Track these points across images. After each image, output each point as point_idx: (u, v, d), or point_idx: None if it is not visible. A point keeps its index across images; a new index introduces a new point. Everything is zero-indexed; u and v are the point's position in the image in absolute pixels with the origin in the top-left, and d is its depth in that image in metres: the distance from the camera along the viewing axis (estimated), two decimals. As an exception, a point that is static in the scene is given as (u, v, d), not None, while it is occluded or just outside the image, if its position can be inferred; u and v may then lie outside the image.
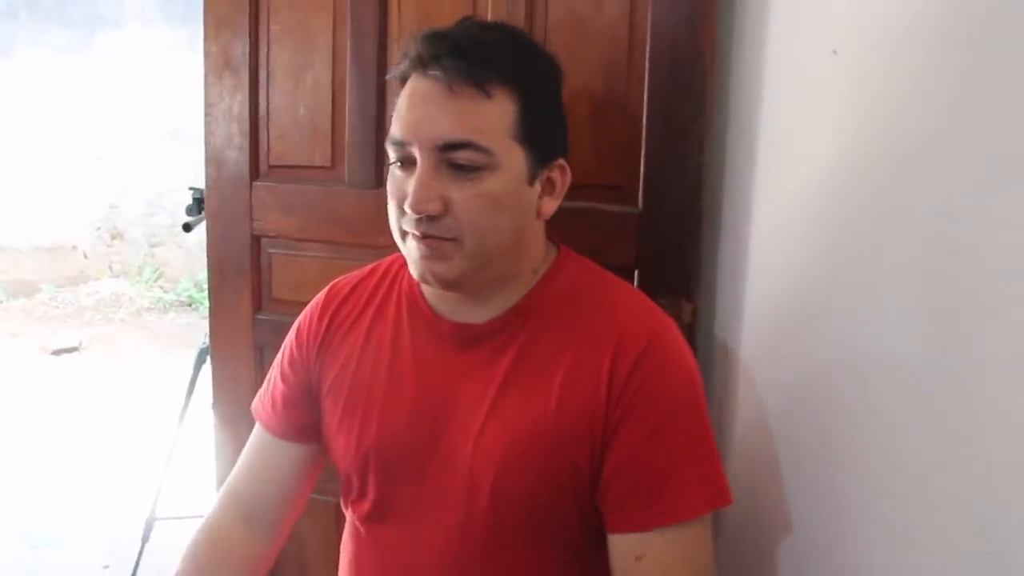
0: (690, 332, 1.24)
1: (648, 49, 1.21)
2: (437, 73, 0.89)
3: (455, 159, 0.89)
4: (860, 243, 0.85)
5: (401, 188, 0.92)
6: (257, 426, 1.12)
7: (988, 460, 0.63)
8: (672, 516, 0.91)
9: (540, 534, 0.96)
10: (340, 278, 1.12)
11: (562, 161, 0.99)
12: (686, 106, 1.20)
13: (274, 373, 1.12)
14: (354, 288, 1.09)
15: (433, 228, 0.90)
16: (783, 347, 1.05)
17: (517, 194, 0.93)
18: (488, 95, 0.90)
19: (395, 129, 0.92)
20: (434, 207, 0.89)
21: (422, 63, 0.91)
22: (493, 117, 0.90)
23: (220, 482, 1.56)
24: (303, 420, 1.08)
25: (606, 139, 1.26)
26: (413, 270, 0.95)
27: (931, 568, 0.70)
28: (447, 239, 0.91)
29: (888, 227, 0.79)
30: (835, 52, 0.91)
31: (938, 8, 0.72)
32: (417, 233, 0.91)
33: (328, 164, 1.43)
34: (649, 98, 1.22)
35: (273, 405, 1.10)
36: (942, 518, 0.69)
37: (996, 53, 0.63)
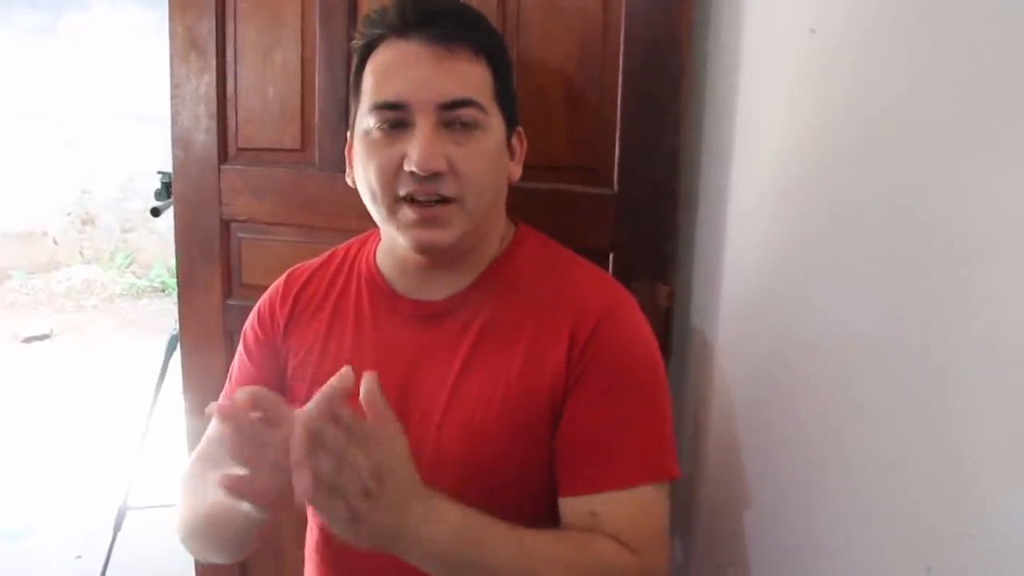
0: (666, 316, 1.23)
1: (623, 29, 1.19)
2: (426, 37, 0.90)
3: (458, 116, 0.91)
4: (836, 226, 0.85)
5: (392, 152, 0.91)
6: (213, 421, 1.06)
7: (963, 438, 0.63)
8: (617, 480, 0.91)
9: (508, 511, 0.94)
10: (297, 265, 1.11)
11: (519, 128, 1.02)
12: (662, 87, 1.19)
13: (233, 369, 1.10)
14: (313, 274, 1.09)
15: (436, 187, 0.91)
16: (758, 329, 1.04)
17: (501, 155, 0.97)
18: (477, 57, 0.93)
19: (384, 93, 0.92)
20: (441, 164, 0.90)
21: (407, 25, 0.91)
22: (483, 79, 0.93)
23: (192, 470, 1.54)
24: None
25: (581, 120, 1.24)
26: (406, 238, 0.94)
27: (907, 545, 0.70)
28: (447, 201, 0.92)
29: (863, 207, 0.79)
30: (813, 31, 0.90)
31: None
32: (419, 194, 0.91)
33: (298, 146, 1.40)
34: (624, 79, 1.20)
35: (233, 391, 1.07)
36: (917, 496, 0.68)
37: (973, 32, 0.63)
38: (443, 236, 0.93)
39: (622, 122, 1.20)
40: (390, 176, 0.92)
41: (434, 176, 0.90)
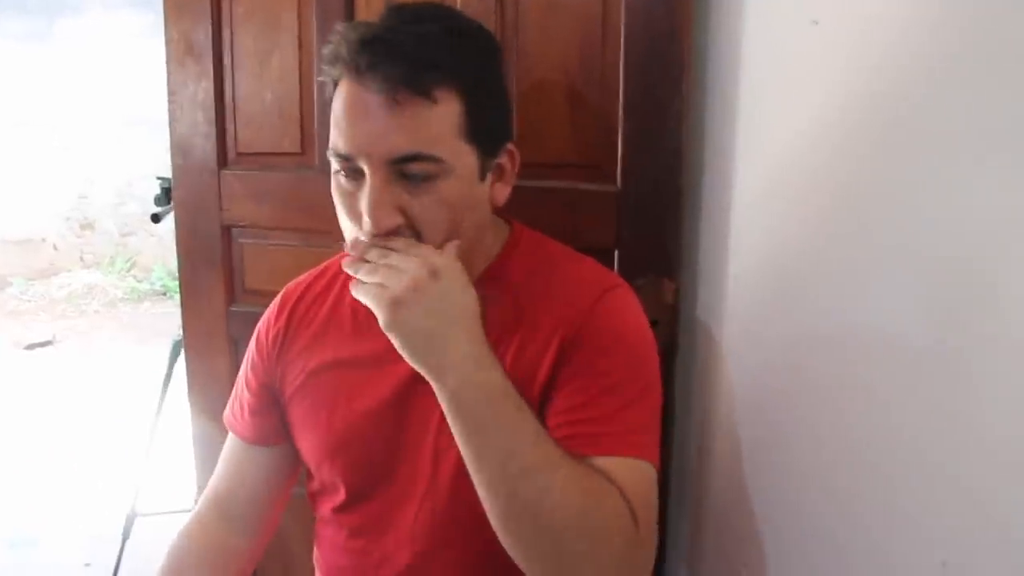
0: (672, 312, 1.22)
1: (623, 25, 1.19)
2: (376, 83, 0.84)
3: (407, 171, 0.86)
4: (840, 220, 0.84)
5: (352, 201, 0.88)
6: (230, 433, 1.12)
7: (976, 435, 0.62)
8: (620, 447, 0.89)
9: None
10: (291, 282, 1.11)
11: (510, 146, 0.96)
12: (663, 82, 1.18)
13: (239, 383, 1.12)
14: (307, 288, 1.08)
15: (395, 243, 0.86)
16: (766, 326, 1.04)
17: (471, 194, 0.91)
18: (433, 100, 0.85)
19: (338, 142, 0.87)
20: (392, 221, 0.86)
21: (357, 70, 0.85)
22: (440, 123, 0.86)
23: (199, 476, 1.54)
24: (272, 425, 1.08)
25: (582, 117, 1.23)
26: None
27: (921, 542, 0.69)
28: None
29: (868, 203, 0.78)
30: (816, 22, 0.89)
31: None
32: (379, 246, 0.87)
33: (298, 150, 1.39)
34: (625, 75, 1.19)
35: (242, 413, 1.10)
36: (931, 493, 0.68)
37: (981, 21, 0.62)
38: None
39: (624, 118, 1.20)
40: (355, 226, 0.89)
41: (389, 233, 0.86)
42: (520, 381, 0.91)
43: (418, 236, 0.88)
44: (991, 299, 0.60)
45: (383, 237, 0.86)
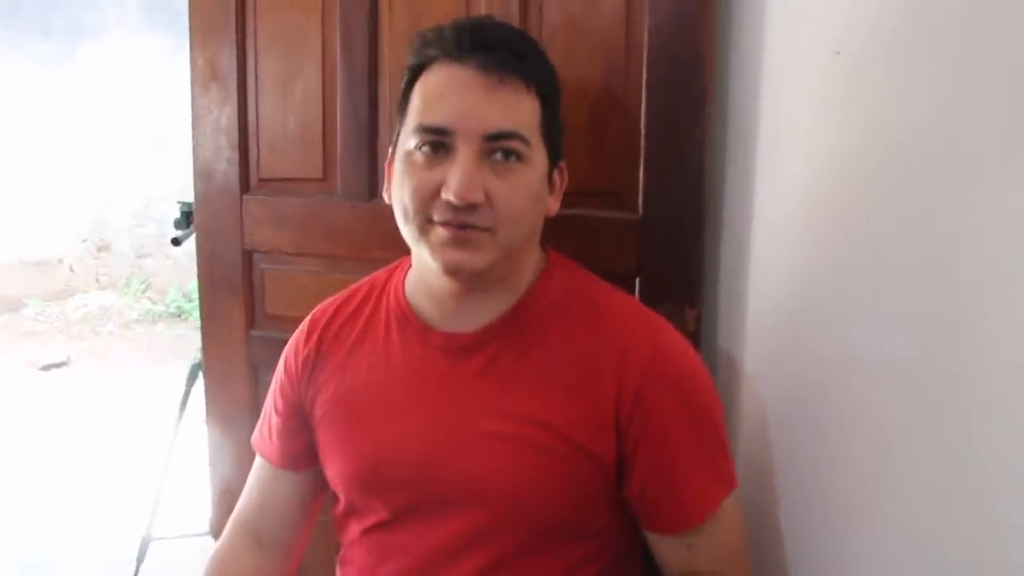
0: (693, 339, 1.22)
1: (646, 51, 1.19)
2: (477, 62, 0.89)
3: (502, 147, 0.90)
4: (863, 246, 0.84)
5: (431, 175, 0.90)
6: (258, 456, 1.13)
7: (995, 466, 0.62)
8: (706, 511, 0.95)
9: (545, 537, 0.96)
10: (319, 306, 1.11)
11: (562, 163, 1.02)
12: (685, 109, 1.18)
13: (268, 406, 1.12)
14: (337, 311, 1.08)
15: (471, 217, 0.89)
16: (786, 352, 1.04)
17: (542, 189, 0.95)
18: (528, 89, 0.91)
19: (431, 116, 0.91)
20: (478, 195, 0.88)
21: (462, 50, 0.90)
22: (531, 112, 0.92)
23: (215, 499, 1.53)
24: (301, 449, 1.09)
25: (604, 144, 1.23)
26: (437, 259, 0.92)
27: (943, 570, 0.69)
28: (482, 229, 0.90)
29: (891, 229, 0.78)
30: (838, 53, 0.89)
31: (942, 7, 0.70)
32: (452, 221, 0.90)
33: (320, 176, 1.40)
34: (648, 101, 1.19)
35: (270, 437, 1.10)
36: (954, 521, 0.68)
37: (1000, 52, 0.62)
38: (474, 259, 0.91)
39: (646, 146, 1.20)
40: (426, 199, 0.91)
41: (470, 207, 0.89)
42: (573, 426, 0.93)
43: (494, 216, 0.90)
44: (1016, 325, 0.60)
45: (463, 211, 0.89)
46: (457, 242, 0.90)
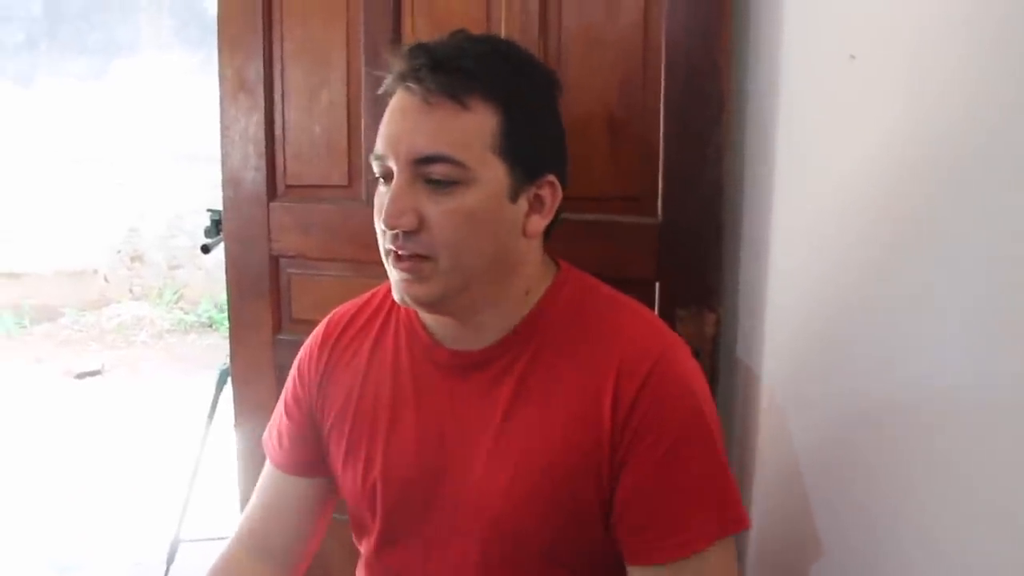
0: (713, 344, 1.23)
1: (663, 58, 1.21)
2: (414, 86, 0.88)
3: (429, 173, 0.87)
4: (882, 251, 0.83)
5: (382, 203, 0.90)
6: (268, 461, 1.11)
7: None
8: (689, 547, 0.88)
9: (545, 564, 0.94)
10: (337, 308, 1.10)
11: (552, 177, 0.94)
12: (703, 115, 1.19)
13: (279, 409, 1.11)
14: (353, 317, 1.07)
15: (409, 244, 0.88)
16: (807, 362, 1.02)
17: (495, 210, 0.90)
18: (465, 107, 0.87)
19: (377, 143, 0.91)
20: (407, 222, 0.87)
21: (402, 76, 0.89)
22: (470, 130, 0.87)
23: (243, 502, 1.56)
24: (311, 456, 1.07)
25: (623, 150, 1.25)
26: (394, 293, 0.93)
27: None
28: (423, 257, 0.88)
29: (910, 235, 0.77)
30: (853, 57, 0.89)
31: (960, 8, 0.70)
32: (393, 249, 0.89)
33: (345, 182, 1.43)
34: (666, 108, 1.21)
35: (280, 441, 1.09)
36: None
37: (1018, 51, 0.62)
38: (419, 290, 0.90)
39: (664, 152, 1.21)
40: (382, 229, 0.90)
41: (407, 233, 0.87)
42: (574, 443, 0.90)
43: (431, 242, 0.87)
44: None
45: (400, 238, 0.87)
46: (404, 276, 0.90)
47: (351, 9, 1.39)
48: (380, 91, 0.94)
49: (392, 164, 0.89)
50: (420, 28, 1.35)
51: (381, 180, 0.92)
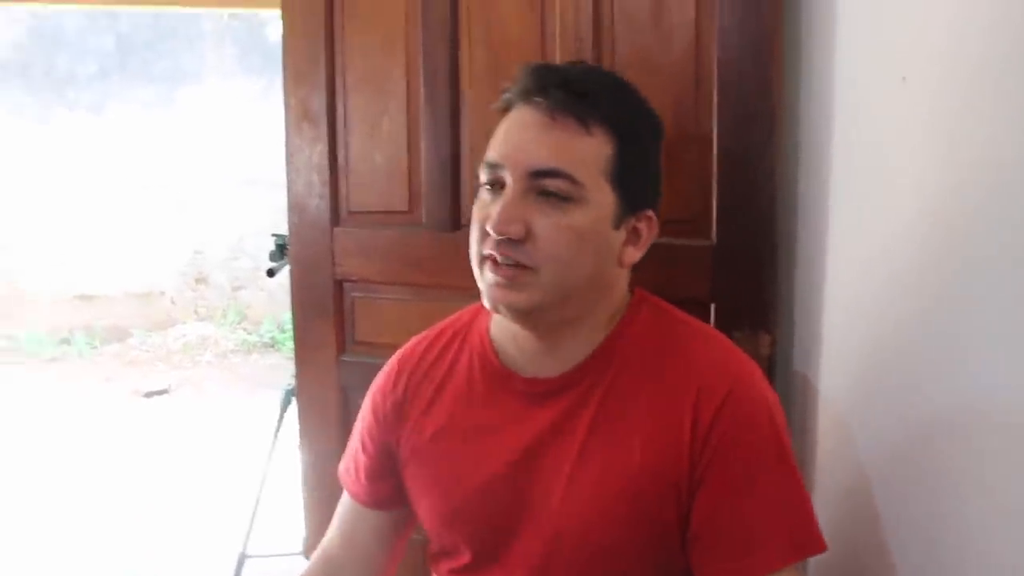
0: (768, 364, 1.23)
1: (716, 82, 1.22)
2: (541, 101, 0.90)
3: (545, 186, 0.89)
4: (934, 271, 0.83)
5: (486, 210, 0.91)
6: (345, 492, 1.13)
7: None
8: (763, 569, 0.89)
9: None
10: (409, 342, 1.11)
11: (651, 212, 0.97)
12: (756, 137, 1.21)
13: (355, 443, 1.12)
14: (423, 354, 1.07)
15: (512, 252, 0.89)
16: (867, 383, 1.02)
17: (601, 233, 0.92)
18: (587, 130, 0.90)
19: (491, 152, 0.93)
20: (516, 230, 0.88)
21: (528, 92, 0.92)
22: (589, 152, 0.90)
23: (307, 519, 1.60)
24: (388, 491, 1.08)
25: (677, 173, 1.26)
26: (486, 299, 0.93)
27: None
28: (524, 267, 0.90)
29: (961, 256, 0.77)
30: (904, 79, 0.90)
31: (1008, 28, 0.71)
32: (496, 255, 0.90)
33: (406, 208, 1.47)
34: (719, 131, 1.22)
35: (357, 475, 1.10)
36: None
37: None
38: (515, 298, 0.91)
39: (718, 174, 1.23)
40: (481, 234, 0.92)
41: (512, 241, 0.89)
42: (653, 468, 0.91)
43: (536, 253, 0.89)
44: None
45: (504, 244, 0.89)
46: (500, 281, 0.91)
47: (410, 40, 1.43)
48: (494, 106, 0.97)
49: (506, 174, 0.91)
50: (477, 57, 1.39)
51: (486, 188, 0.94)
